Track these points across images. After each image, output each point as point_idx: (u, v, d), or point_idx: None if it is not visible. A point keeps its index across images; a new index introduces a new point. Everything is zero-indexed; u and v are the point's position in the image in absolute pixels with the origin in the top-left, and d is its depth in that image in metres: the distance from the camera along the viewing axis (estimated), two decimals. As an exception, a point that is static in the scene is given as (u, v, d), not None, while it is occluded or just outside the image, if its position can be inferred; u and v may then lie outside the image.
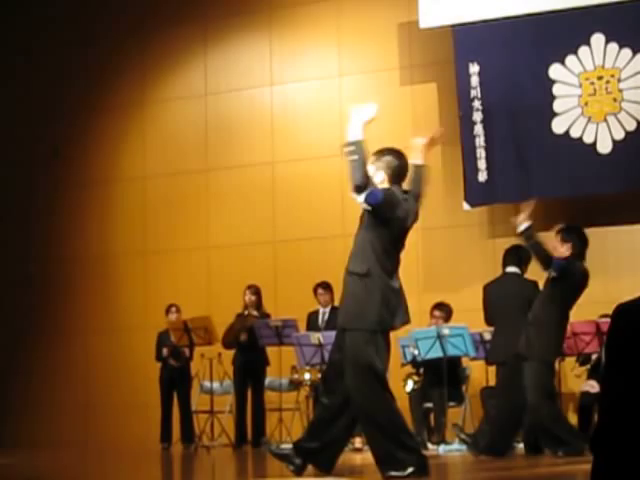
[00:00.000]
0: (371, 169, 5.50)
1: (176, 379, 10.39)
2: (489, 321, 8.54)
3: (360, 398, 5.32)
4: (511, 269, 8.25)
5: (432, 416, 9.26)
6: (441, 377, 8.77)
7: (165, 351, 10.35)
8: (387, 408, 5.36)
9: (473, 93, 10.18)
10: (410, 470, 5.24)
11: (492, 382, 9.03)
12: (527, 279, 8.24)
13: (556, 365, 9.30)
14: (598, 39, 9.83)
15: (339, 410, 5.42)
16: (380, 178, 5.53)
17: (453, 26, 10.34)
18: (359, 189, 5.25)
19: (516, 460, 7.63)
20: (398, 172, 5.60)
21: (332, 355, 5.66)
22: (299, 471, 5.48)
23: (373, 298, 5.35)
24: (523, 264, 8.23)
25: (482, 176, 10.11)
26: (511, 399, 7.48)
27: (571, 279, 7.34)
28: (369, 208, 5.37)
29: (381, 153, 5.64)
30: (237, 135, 11.76)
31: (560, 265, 7.30)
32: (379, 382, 5.36)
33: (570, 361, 9.15)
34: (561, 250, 7.39)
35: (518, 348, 7.41)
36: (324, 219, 11.01)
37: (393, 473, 5.27)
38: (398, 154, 5.66)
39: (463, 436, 7.97)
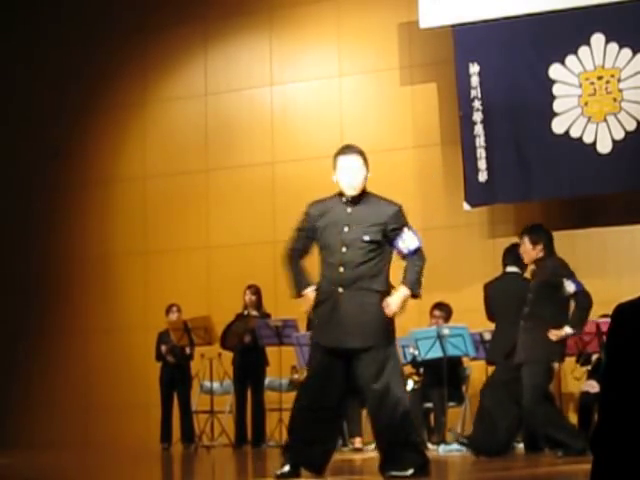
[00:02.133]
0: (364, 170, 5.43)
1: (176, 379, 10.39)
2: (492, 318, 8.50)
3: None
4: (511, 269, 8.24)
5: (432, 416, 9.26)
6: (441, 377, 8.77)
7: (164, 348, 10.34)
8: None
9: (473, 93, 10.18)
10: (411, 471, 5.23)
11: (492, 382, 9.03)
12: (527, 279, 8.22)
13: (556, 366, 9.31)
14: (598, 39, 9.82)
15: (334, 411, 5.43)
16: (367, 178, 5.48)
17: (453, 26, 10.34)
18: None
19: (516, 460, 7.63)
20: None
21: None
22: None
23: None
24: (523, 263, 8.22)
25: (482, 176, 10.11)
26: (502, 399, 7.48)
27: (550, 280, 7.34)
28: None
29: (364, 153, 5.54)
30: (237, 135, 11.76)
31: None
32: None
33: (570, 361, 9.14)
34: (533, 253, 7.38)
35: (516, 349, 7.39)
36: (324, 219, 11.01)
37: (394, 473, 5.25)
38: None
39: (461, 440, 7.99)
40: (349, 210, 5.39)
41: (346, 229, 5.33)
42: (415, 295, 5.37)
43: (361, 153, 5.47)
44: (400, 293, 5.32)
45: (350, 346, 5.27)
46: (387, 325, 5.33)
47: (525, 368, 7.26)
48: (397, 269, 5.54)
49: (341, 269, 5.29)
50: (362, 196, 5.40)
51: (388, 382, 5.25)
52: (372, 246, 5.30)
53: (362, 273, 5.28)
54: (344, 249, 5.31)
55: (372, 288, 5.28)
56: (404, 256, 5.40)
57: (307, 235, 5.54)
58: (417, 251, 5.37)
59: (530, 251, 7.40)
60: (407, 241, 5.35)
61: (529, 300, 7.42)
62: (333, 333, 5.30)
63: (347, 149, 5.51)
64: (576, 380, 9.11)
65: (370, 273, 5.29)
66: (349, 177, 5.39)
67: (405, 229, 5.35)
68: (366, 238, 5.29)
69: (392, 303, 5.28)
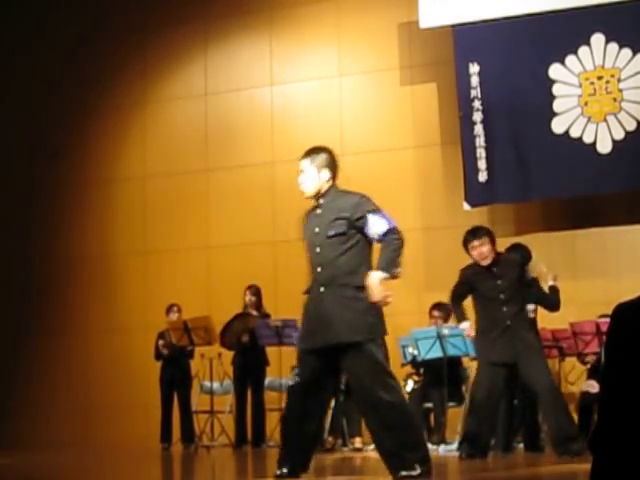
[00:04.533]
0: (313, 170, 5.38)
1: (176, 379, 10.38)
2: None
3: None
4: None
5: (432, 416, 9.26)
6: (441, 377, 8.76)
7: (161, 343, 10.32)
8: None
9: (473, 93, 10.19)
10: (418, 470, 5.19)
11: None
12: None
13: (556, 365, 9.32)
14: (598, 39, 9.83)
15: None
16: (327, 176, 5.45)
17: (453, 26, 10.35)
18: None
19: (516, 459, 7.63)
20: (335, 166, 5.47)
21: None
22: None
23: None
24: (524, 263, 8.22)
25: (482, 176, 10.12)
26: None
27: None
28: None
29: (315, 152, 5.45)
30: (237, 135, 11.77)
31: None
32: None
33: (570, 361, 9.15)
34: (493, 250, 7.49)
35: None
36: (324, 219, 11.01)
37: (404, 473, 5.22)
38: (328, 149, 5.52)
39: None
40: (318, 212, 5.40)
41: (317, 229, 5.35)
42: (392, 276, 5.16)
43: (307, 154, 5.44)
44: (372, 278, 5.12)
45: (336, 342, 5.16)
46: (373, 320, 5.21)
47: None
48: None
49: (319, 269, 5.28)
50: (325, 194, 5.40)
51: (377, 379, 5.21)
52: (340, 239, 5.24)
53: (338, 270, 5.21)
54: (318, 249, 5.31)
55: (351, 284, 5.19)
56: (378, 241, 5.32)
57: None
58: (389, 233, 5.23)
59: (492, 250, 7.46)
60: (375, 226, 5.25)
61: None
62: (318, 333, 5.25)
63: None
64: (570, 385, 9.15)
65: (347, 269, 5.21)
66: (299, 183, 5.44)
67: (369, 215, 5.25)
68: (330, 233, 5.26)
69: (370, 292, 5.15)
